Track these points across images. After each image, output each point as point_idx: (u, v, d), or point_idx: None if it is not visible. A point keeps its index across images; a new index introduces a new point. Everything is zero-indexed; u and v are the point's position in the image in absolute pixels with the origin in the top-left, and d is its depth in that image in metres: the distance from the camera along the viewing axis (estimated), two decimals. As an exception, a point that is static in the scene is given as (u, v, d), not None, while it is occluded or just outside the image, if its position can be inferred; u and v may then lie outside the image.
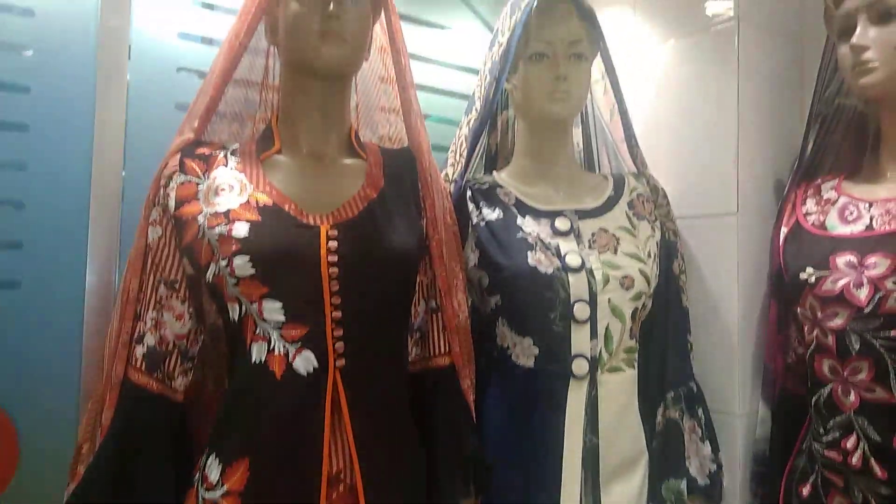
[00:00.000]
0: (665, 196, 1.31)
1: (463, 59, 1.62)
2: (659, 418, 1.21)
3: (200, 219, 0.97)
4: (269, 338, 0.93)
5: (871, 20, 1.07)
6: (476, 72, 1.36)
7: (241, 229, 0.93)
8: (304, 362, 0.92)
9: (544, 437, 1.11)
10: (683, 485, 1.15)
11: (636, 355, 1.18)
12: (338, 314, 0.94)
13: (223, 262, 0.93)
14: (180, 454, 1.01)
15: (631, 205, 1.26)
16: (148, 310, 0.99)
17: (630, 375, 1.17)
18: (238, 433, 0.94)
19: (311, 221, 0.97)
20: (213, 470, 0.93)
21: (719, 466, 1.19)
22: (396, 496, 0.98)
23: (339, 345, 0.94)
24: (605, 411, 1.12)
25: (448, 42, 1.63)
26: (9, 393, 1.11)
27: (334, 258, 0.94)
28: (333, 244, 0.95)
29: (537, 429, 1.12)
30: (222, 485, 0.91)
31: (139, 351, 0.98)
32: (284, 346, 0.93)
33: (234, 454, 0.92)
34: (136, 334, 0.99)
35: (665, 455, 1.19)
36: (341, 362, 0.94)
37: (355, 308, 0.95)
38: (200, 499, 0.94)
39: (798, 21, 1.40)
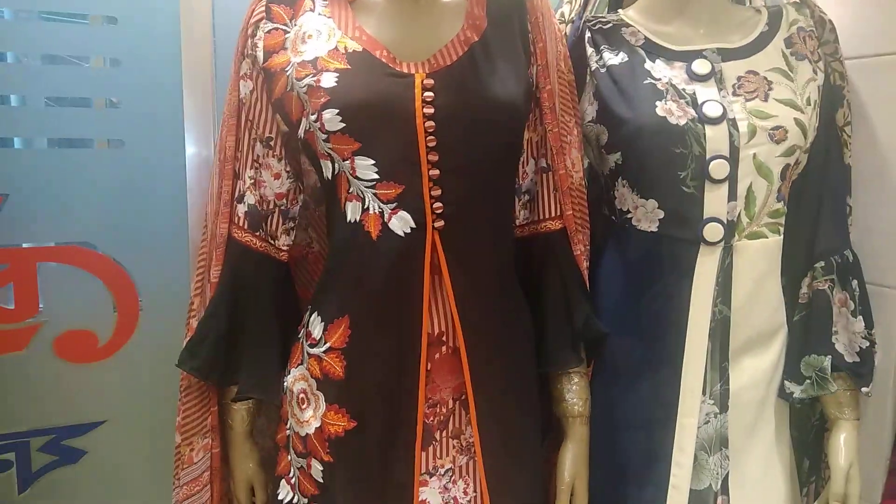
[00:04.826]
0: (833, 30, 1.08)
1: None
2: (804, 290, 1.07)
3: (289, 70, 0.91)
4: (363, 197, 0.88)
5: None
6: None
7: (328, 79, 0.87)
8: (401, 223, 0.88)
9: (667, 307, 1.02)
10: (828, 361, 1.03)
11: (782, 220, 1.03)
12: (435, 172, 0.87)
13: (313, 117, 0.88)
14: (287, 310, 1.04)
15: (789, 41, 1.05)
16: (246, 168, 0.99)
17: (773, 242, 1.03)
18: (338, 292, 0.93)
19: (405, 69, 0.89)
20: (316, 327, 0.94)
21: (872, 344, 1.04)
22: (501, 360, 0.95)
23: (438, 205, 0.88)
24: (740, 281, 1.01)
25: None
26: (126, 252, 1.19)
27: (430, 110, 0.87)
28: (429, 94, 0.87)
29: (659, 298, 1.03)
30: (325, 342, 0.92)
31: (241, 209, 0.99)
32: (379, 206, 0.88)
33: (335, 312, 0.92)
34: (236, 193, 0.99)
35: (808, 329, 1.06)
36: (440, 223, 0.88)
37: (454, 165, 0.88)
38: (305, 353, 0.96)
39: None
